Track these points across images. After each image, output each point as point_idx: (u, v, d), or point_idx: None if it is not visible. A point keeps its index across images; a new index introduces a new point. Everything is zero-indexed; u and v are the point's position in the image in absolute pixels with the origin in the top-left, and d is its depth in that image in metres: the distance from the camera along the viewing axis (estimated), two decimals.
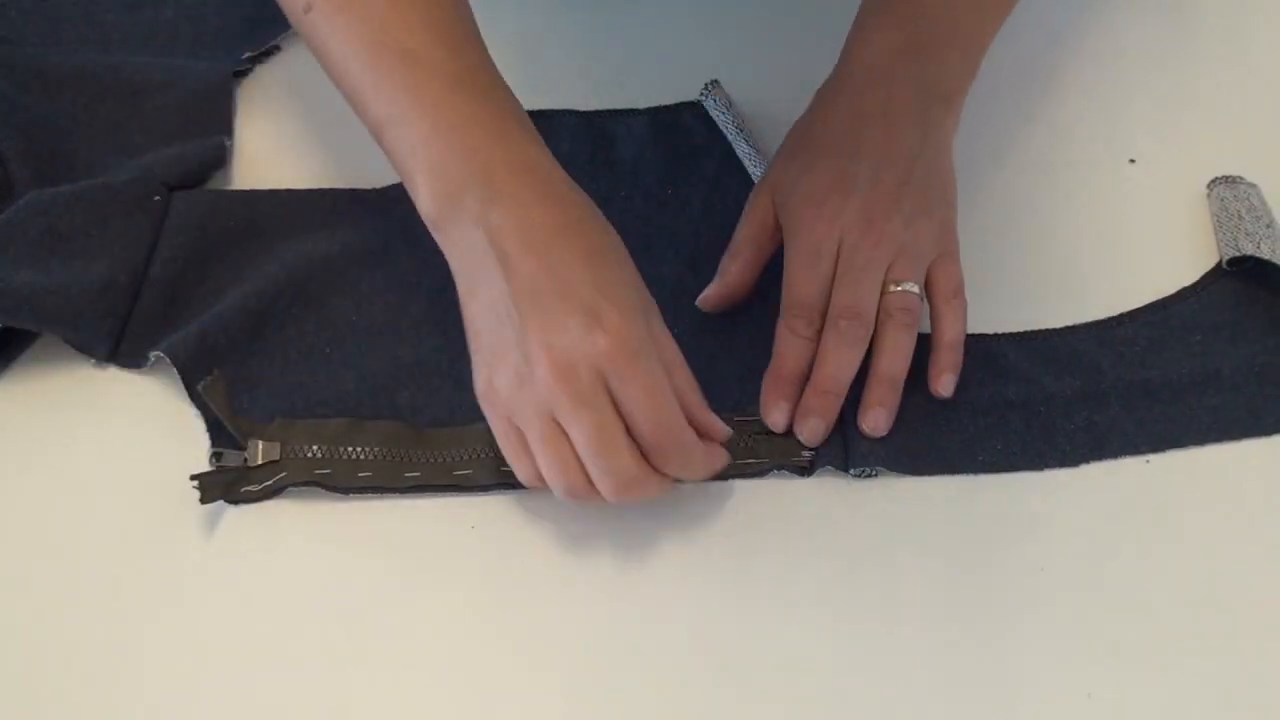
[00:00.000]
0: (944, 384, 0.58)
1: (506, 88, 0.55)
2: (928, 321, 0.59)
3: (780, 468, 0.57)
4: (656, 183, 0.68)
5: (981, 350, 0.60)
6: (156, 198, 0.63)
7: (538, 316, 0.50)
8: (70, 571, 0.53)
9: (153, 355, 0.58)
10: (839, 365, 0.56)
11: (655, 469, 0.51)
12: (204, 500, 0.54)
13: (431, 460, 0.56)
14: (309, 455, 0.55)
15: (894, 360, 0.57)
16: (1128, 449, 0.58)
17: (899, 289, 0.57)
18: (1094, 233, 0.67)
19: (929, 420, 0.58)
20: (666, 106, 0.72)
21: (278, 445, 0.55)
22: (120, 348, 0.59)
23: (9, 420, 0.58)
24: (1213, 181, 0.68)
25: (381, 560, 0.54)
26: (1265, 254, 0.62)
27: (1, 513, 0.55)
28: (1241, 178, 0.67)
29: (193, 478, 0.54)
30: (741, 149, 0.68)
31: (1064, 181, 0.69)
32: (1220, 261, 0.64)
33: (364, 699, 0.50)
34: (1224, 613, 0.53)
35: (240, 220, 0.64)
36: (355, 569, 0.53)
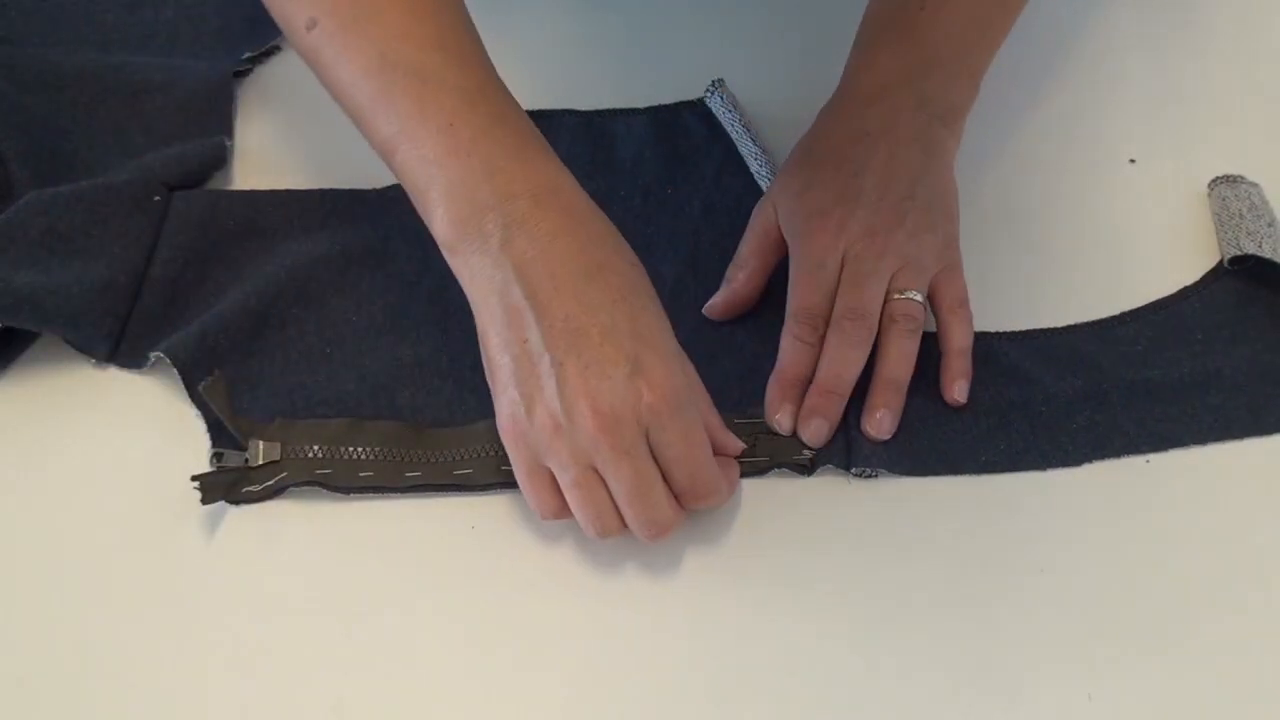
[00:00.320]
0: (957, 390, 0.58)
1: (519, 107, 0.54)
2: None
3: (781, 466, 0.57)
4: (656, 182, 0.68)
5: (982, 350, 0.60)
6: (156, 198, 0.63)
7: (576, 362, 0.49)
8: (71, 572, 0.53)
9: (153, 356, 0.58)
10: (843, 365, 0.57)
11: (684, 506, 0.52)
12: (205, 501, 0.54)
13: (432, 460, 0.56)
14: (310, 455, 0.55)
15: (898, 365, 0.57)
16: (1129, 448, 0.58)
17: (902, 296, 0.58)
18: (1094, 233, 0.67)
19: (930, 421, 0.58)
20: (666, 106, 0.72)
21: (278, 445, 0.55)
22: (120, 348, 0.59)
23: (9, 420, 0.58)
24: (1214, 181, 0.68)
25: (382, 560, 0.54)
26: (1266, 253, 0.62)
27: (1, 513, 0.55)
28: (1243, 177, 0.67)
29: (194, 478, 0.54)
30: (747, 148, 0.68)
31: (1064, 181, 0.69)
32: (1221, 261, 0.64)
33: (364, 698, 0.50)
34: (1224, 613, 0.53)
35: (240, 220, 0.64)
36: (356, 569, 0.54)
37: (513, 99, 0.54)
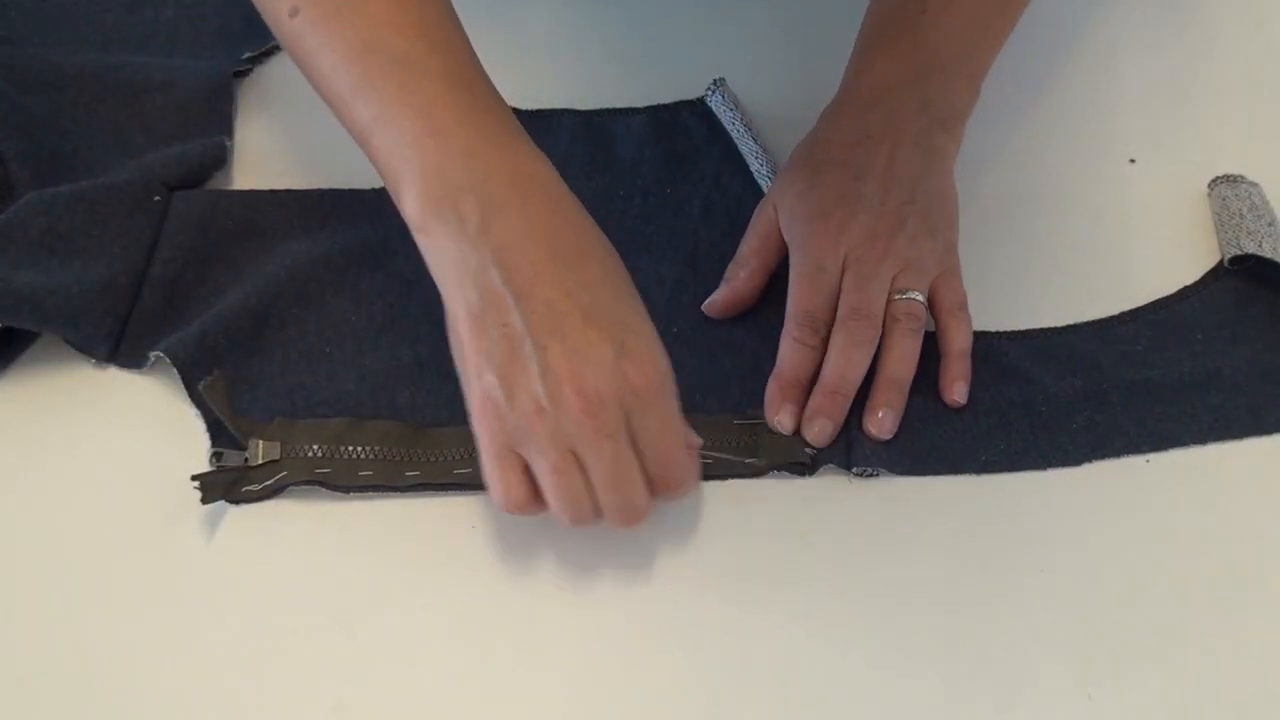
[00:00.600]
0: (957, 391, 0.58)
1: (500, 97, 0.54)
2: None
3: (780, 469, 0.57)
4: (656, 182, 0.68)
5: (982, 350, 0.60)
6: (156, 198, 0.63)
7: (560, 345, 0.49)
8: (71, 572, 0.53)
9: (152, 355, 0.58)
10: (848, 365, 0.57)
11: (654, 494, 0.51)
12: (205, 500, 0.54)
13: (432, 459, 0.56)
14: (309, 455, 0.55)
15: (900, 364, 0.57)
16: (1129, 448, 0.58)
17: (903, 297, 0.58)
18: (1094, 232, 0.67)
19: (930, 421, 0.58)
20: (666, 105, 0.72)
21: (278, 445, 0.55)
22: (120, 348, 0.59)
23: (9, 420, 0.58)
24: (1214, 180, 0.68)
25: (382, 560, 0.54)
26: (1267, 253, 0.62)
27: (1, 513, 0.55)
28: (1243, 176, 0.67)
29: (194, 478, 0.54)
30: (748, 146, 0.68)
31: (1064, 181, 0.69)
32: (1222, 260, 0.64)
33: (364, 698, 0.50)
34: (1224, 613, 0.53)
35: (240, 220, 0.64)
36: (356, 568, 0.53)
37: (494, 89, 0.54)
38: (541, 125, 0.69)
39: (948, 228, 0.61)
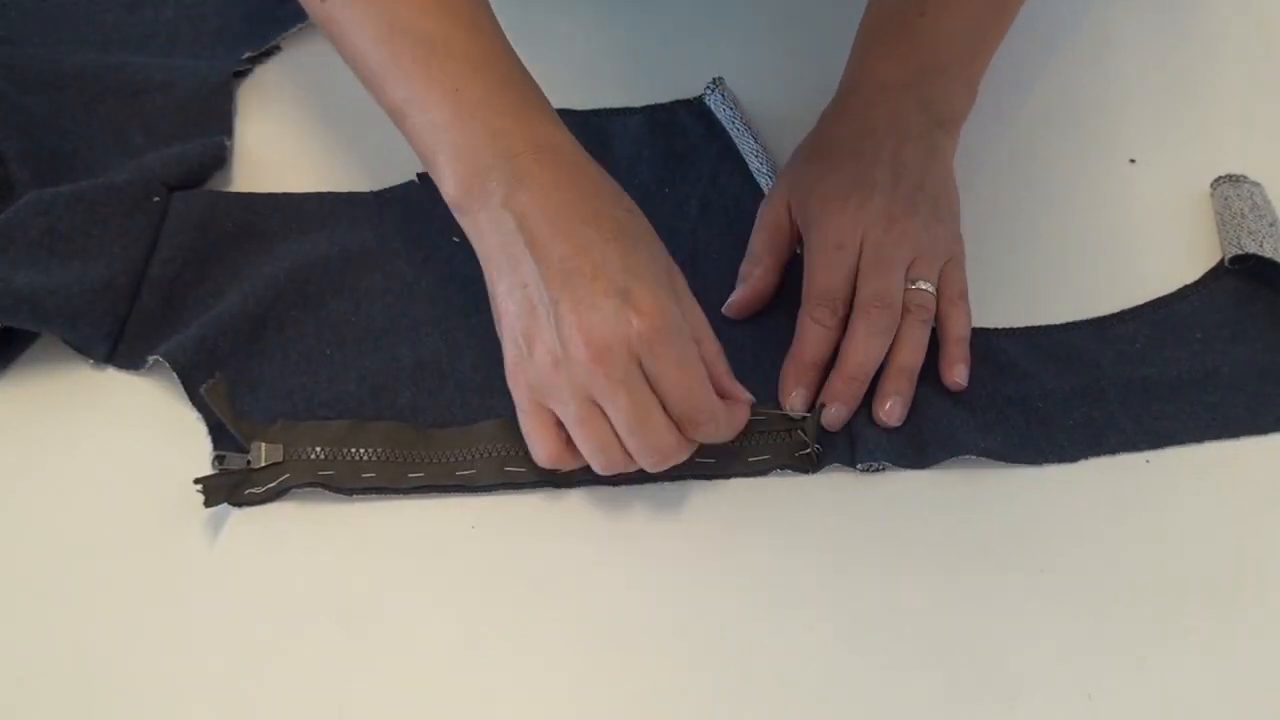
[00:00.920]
0: (958, 373, 0.58)
1: (526, 71, 0.56)
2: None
3: (784, 468, 0.57)
4: (654, 181, 0.68)
5: (981, 346, 0.60)
6: (156, 198, 0.63)
7: (570, 299, 0.50)
8: (73, 573, 0.53)
9: (151, 359, 0.58)
10: (868, 353, 0.57)
11: (685, 435, 0.53)
12: (208, 504, 0.54)
13: (434, 460, 0.56)
14: (312, 457, 0.55)
15: (911, 354, 0.58)
16: (1126, 446, 0.58)
17: (917, 287, 0.59)
18: (1094, 231, 0.67)
19: (931, 414, 0.58)
20: (663, 105, 0.72)
21: (280, 447, 0.55)
22: (119, 348, 0.59)
23: (9, 420, 0.57)
24: (1217, 180, 0.68)
25: (383, 561, 0.54)
26: (1268, 253, 0.62)
27: (1, 513, 0.55)
28: (1245, 176, 0.67)
29: (197, 481, 0.54)
30: (748, 145, 0.68)
31: (1064, 181, 0.69)
32: (1222, 260, 0.64)
33: (366, 698, 0.50)
34: (1224, 612, 0.53)
35: (239, 222, 0.64)
36: (357, 569, 0.53)
37: (519, 63, 0.56)
38: None
39: (953, 218, 0.62)
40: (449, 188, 0.54)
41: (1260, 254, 0.62)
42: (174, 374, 0.57)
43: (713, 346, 0.55)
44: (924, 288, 0.59)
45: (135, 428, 0.57)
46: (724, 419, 0.54)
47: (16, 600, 0.52)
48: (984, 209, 0.66)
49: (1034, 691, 0.51)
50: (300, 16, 0.70)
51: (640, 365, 0.51)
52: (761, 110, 0.71)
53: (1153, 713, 0.50)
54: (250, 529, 0.54)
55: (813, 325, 0.58)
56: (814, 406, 0.57)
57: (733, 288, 0.62)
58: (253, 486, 0.55)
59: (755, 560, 0.54)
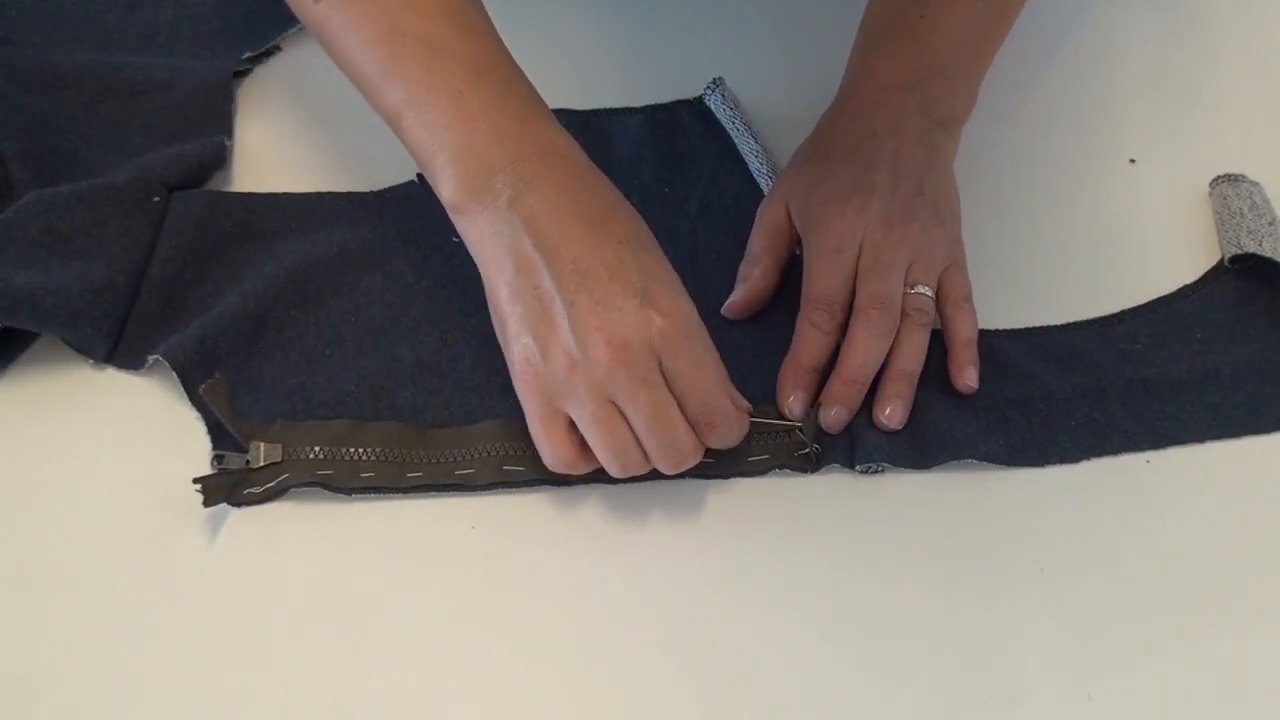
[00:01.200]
0: (969, 376, 0.58)
1: (526, 77, 0.56)
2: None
3: (782, 467, 0.57)
4: (653, 181, 0.68)
5: (982, 347, 0.60)
6: (156, 198, 0.63)
7: (588, 299, 0.50)
8: (72, 573, 0.53)
9: (151, 358, 0.58)
10: (867, 356, 0.57)
11: (699, 437, 0.53)
12: (207, 503, 0.54)
13: (433, 460, 0.56)
14: (311, 456, 0.55)
15: (911, 358, 0.58)
16: (1127, 446, 0.58)
17: (915, 290, 0.59)
18: (1094, 231, 0.67)
19: (932, 416, 0.58)
20: (663, 105, 0.72)
21: (279, 447, 0.55)
22: (119, 348, 0.59)
23: (9, 420, 0.58)
24: (1215, 179, 0.68)
25: (383, 561, 0.54)
26: (1267, 252, 0.62)
27: (1, 513, 0.55)
28: (1244, 175, 0.67)
29: (196, 481, 0.54)
30: (748, 145, 0.68)
31: (1064, 180, 0.69)
32: (1222, 259, 0.64)
33: (366, 698, 0.50)
34: (1224, 611, 0.53)
35: (239, 222, 0.64)
36: (357, 569, 0.53)
37: (518, 69, 0.56)
38: None
39: (953, 220, 0.62)
40: (448, 189, 0.53)
41: (1260, 253, 0.62)
42: (174, 374, 0.57)
43: (717, 357, 0.54)
44: (923, 292, 0.59)
45: (135, 428, 0.57)
46: (736, 422, 0.54)
47: (16, 600, 0.52)
48: (985, 209, 0.66)
49: (1034, 691, 0.50)
50: None
51: (660, 365, 0.51)
52: (762, 110, 0.71)
53: (1153, 713, 0.50)
54: (250, 529, 0.54)
55: (810, 329, 0.58)
56: (812, 410, 0.57)
57: (732, 288, 0.62)
58: (251, 486, 0.55)
59: (756, 560, 0.54)
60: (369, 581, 0.53)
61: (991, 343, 0.61)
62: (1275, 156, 0.69)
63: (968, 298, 0.60)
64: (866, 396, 0.58)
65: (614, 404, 0.51)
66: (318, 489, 0.55)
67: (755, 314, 0.62)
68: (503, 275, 0.52)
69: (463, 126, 0.53)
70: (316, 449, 0.56)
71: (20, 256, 0.59)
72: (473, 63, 0.54)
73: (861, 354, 0.57)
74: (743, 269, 0.62)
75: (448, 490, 0.56)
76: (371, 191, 0.66)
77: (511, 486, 0.56)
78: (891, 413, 0.57)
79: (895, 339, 0.58)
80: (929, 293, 0.59)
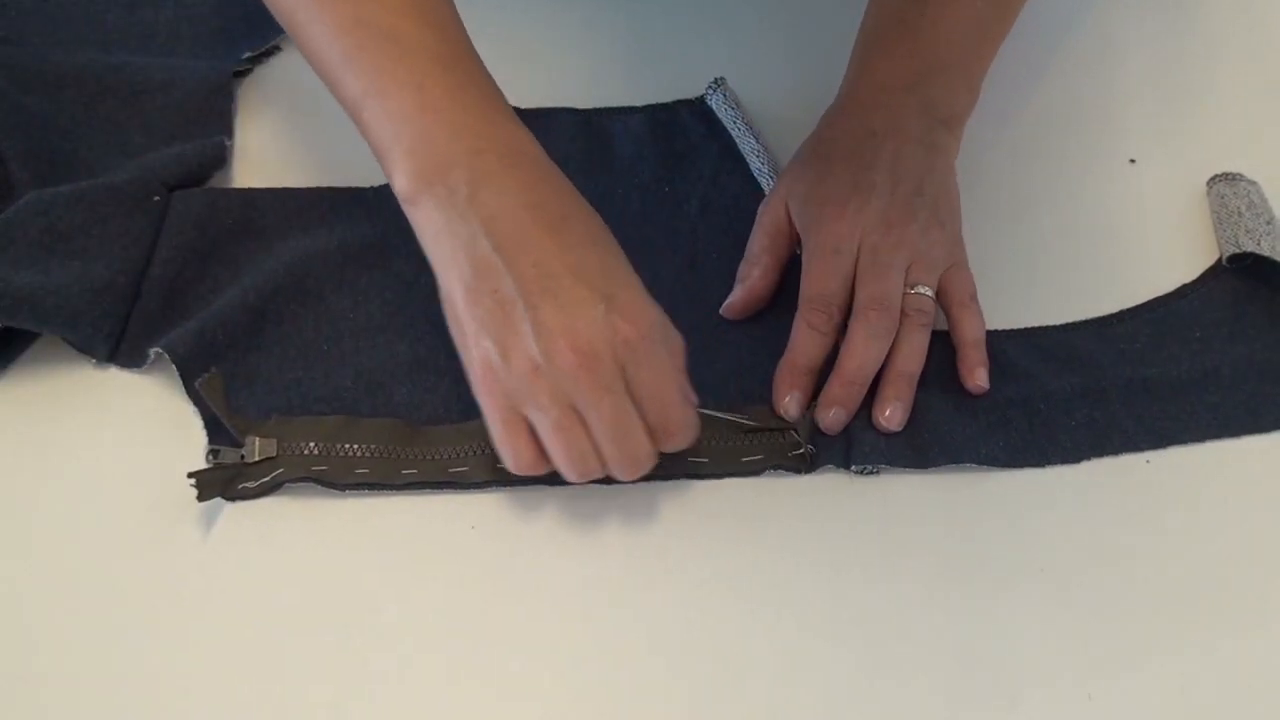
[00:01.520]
0: (979, 377, 0.58)
1: (489, 75, 0.55)
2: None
3: (778, 468, 0.57)
4: (654, 180, 0.68)
5: None
6: (156, 198, 0.63)
7: (552, 303, 0.49)
8: (69, 570, 0.53)
9: (151, 352, 0.58)
10: (866, 357, 0.57)
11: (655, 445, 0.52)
12: (201, 498, 0.54)
13: (428, 458, 0.56)
14: (305, 452, 0.55)
15: (910, 359, 0.58)
16: (1128, 446, 0.58)
17: (915, 291, 0.58)
18: (1094, 231, 0.67)
19: (930, 417, 0.58)
20: (664, 104, 0.72)
21: (275, 442, 0.55)
22: (120, 348, 0.59)
23: (9, 420, 0.58)
24: (1213, 178, 0.68)
25: (381, 558, 0.54)
26: (1265, 251, 0.62)
27: (1, 513, 0.55)
28: (1241, 174, 0.67)
29: (190, 475, 0.54)
30: (750, 145, 0.68)
31: (1064, 181, 0.69)
32: (1220, 258, 0.64)
33: (363, 697, 0.50)
34: (1224, 611, 0.53)
35: (239, 219, 0.64)
36: (354, 567, 0.53)
37: (480, 63, 0.55)
38: (540, 124, 0.69)
39: (954, 221, 0.61)
40: (402, 180, 0.52)
41: (1258, 252, 0.62)
42: (173, 372, 0.57)
43: (678, 344, 0.54)
44: (923, 292, 0.58)
45: (135, 427, 0.57)
46: (692, 433, 0.53)
47: (15, 599, 0.52)
48: (985, 209, 0.66)
49: (1034, 691, 0.50)
50: None
51: (623, 372, 0.50)
52: (763, 110, 0.71)
53: (1153, 713, 0.50)
54: (245, 524, 0.54)
55: (807, 330, 0.58)
56: (807, 411, 0.57)
57: (732, 288, 0.62)
58: (246, 481, 0.55)
59: (753, 560, 0.54)
60: (366, 578, 0.53)
61: (991, 343, 0.61)
62: (1273, 156, 0.69)
63: (973, 297, 0.60)
64: (865, 398, 0.58)
65: (574, 410, 0.50)
66: (313, 484, 0.55)
67: (754, 314, 0.62)
68: (460, 276, 0.51)
69: (420, 118, 0.52)
70: (311, 444, 0.56)
71: (20, 256, 0.59)
72: (435, 56, 0.53)
73: (860, 355, 0.57)
74: (742, 269, 0.62)
75: (442, 488, 0.56)
76: (371, 188, 0.66)
77: (506, 485, 0.56)
78: (891, 414, 0.57)
79: (895, 340, 0.58)
80: (929, 293, 0.59)
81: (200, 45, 0.74)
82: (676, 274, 0.63)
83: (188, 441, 0.56)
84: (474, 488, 0.56)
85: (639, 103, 0.72)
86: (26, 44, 0.72)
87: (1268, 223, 0.64)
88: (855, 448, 0.57)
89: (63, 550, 0.54)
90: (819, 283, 0.58)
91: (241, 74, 0.72)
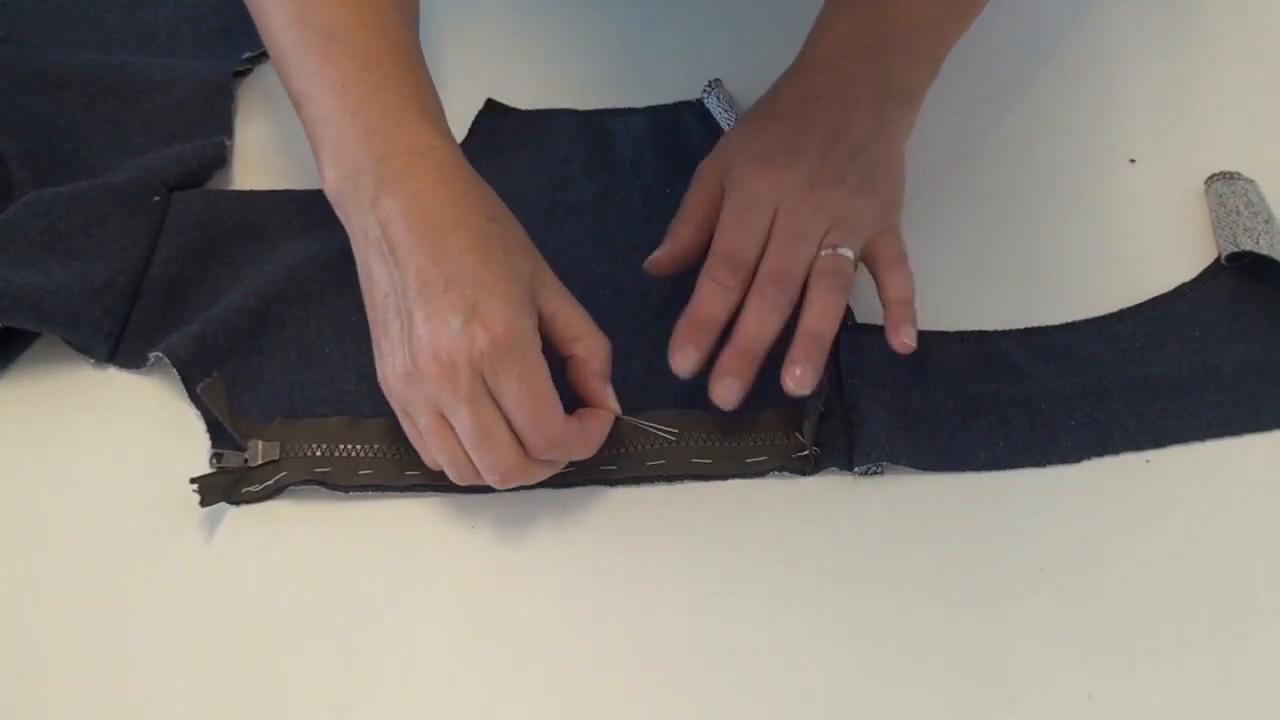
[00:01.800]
0: (905, 334, 0.56)
1: (420, 71, 0.55)
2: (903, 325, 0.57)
3: (781, 469, 0.57)
4: (655, 181, 0.68)
5: (982, 348, 0.60)
6: (156, 198, 0.63)
7: (423, 310, 0.50)
8: (71, 572, 0.53)
9: (152, 356, 0.58)
10: (759, 329, 0.55)
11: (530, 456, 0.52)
12: (205, 503, 0.54)
13: None
14: (309, 454, 0.55)
15: (820, 319, 0.56)
16: (1129, 445, 0.58)
17: (831, 252, 0.57)
18: (1093, 231, 0.67)
19: (931, 418, 0.58)
20: (665, 105, 0.72)
21: (278, 445, 0.55)
22: (120, 348, 0.59)
23: (9, 420, 0.58)
24: (1211, 177, 0.68)
25: (382, 560, 0.54)
26: (1264, 249, 0.62)
27: (1, 513, 0.55)
28: (1239, 173, 0.67)
29: (192, 481, 0.54)
30: None
31: (1064, 181, 0.69)
32: (1219, 257, 0.64)
33: (365, 698, 0.50)
34: (1225, 611, 0.53)
35: (239, 220, 0.64)
36: (356, 569, 0.54)
37: (415, 63, 0.55)
38: (542, 125, 0.69)
39: (890, 188, 0.60)
40: (328, 184, 0.53)
41: (1257, 251, 0.62)
42: (174, 373, 0.57)
43: (595, 343, 0.54)
44: (842, 253, 0.57)
45: (135, 428, 0.57)
46: (574, 442, 0.52)
47: (15, 599, 0.52)
48: (984, 209, 0.66)
49: (1034, 691, 0.50)
50: None
51: (487, 382, 0.50)
52: None
53: (1153, 713, 0.50)
54: (248, 527, 0.54)
55: (711, 284, 0.56)
56: (812, 414, 0.57)
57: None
58: (250, 484, 0.55)
59: (754, 561, 0.54)
60: (368, 580, 0.53)
61: (991, 343, 0.61)
62: (1272, 155, 0.69)
63: (902, 259, 0.58)
64: (865, 401, 0.57)
65: (444, 416, 0.51)
66: (316, 487, 0.55)
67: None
68: (364, 279, 0.53)
69: (339, 122, 0.53)
70: (314, 446, 0.56)
71: (20, 256, 0.59)
72: (361, 55, 0.54)
73: (753, 326, 0.55)
74: (672, 226, 0.60)
75: (446, 489, 0.56)
76: None
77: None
78: (802, 375, 0.54)
79: (806, 300, 0.56)
80: (849, 254, 0.57)
81: (200, 45, 0.74)
82: (677, 274, 0.63)
83: (188, 442, 0.56)
84: (476, 489, 0.56)
85: (641, 104, 0.72)
86: (26, 44, 0.72)
87: (1266, 221, 0.64)
88: (858, 450, 0.56)
89: (63, 551, 0.54)
90: (729, 239, 0.57)
91: (241, 74, 0.72)
